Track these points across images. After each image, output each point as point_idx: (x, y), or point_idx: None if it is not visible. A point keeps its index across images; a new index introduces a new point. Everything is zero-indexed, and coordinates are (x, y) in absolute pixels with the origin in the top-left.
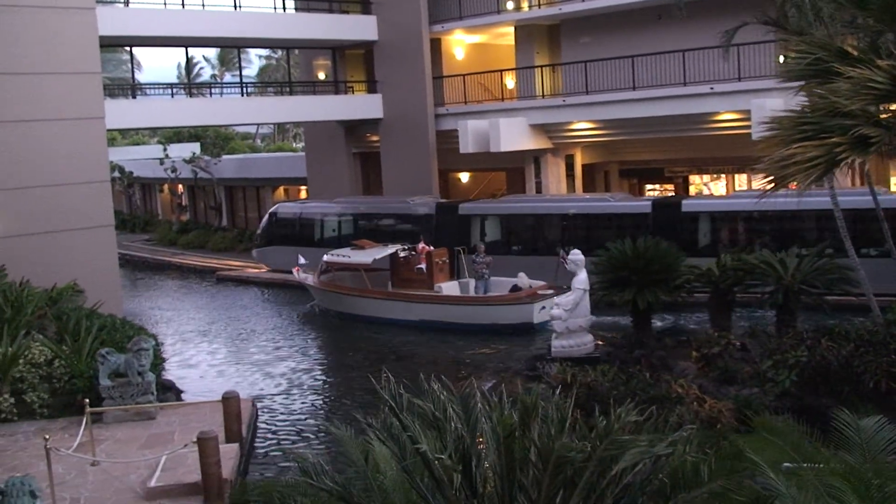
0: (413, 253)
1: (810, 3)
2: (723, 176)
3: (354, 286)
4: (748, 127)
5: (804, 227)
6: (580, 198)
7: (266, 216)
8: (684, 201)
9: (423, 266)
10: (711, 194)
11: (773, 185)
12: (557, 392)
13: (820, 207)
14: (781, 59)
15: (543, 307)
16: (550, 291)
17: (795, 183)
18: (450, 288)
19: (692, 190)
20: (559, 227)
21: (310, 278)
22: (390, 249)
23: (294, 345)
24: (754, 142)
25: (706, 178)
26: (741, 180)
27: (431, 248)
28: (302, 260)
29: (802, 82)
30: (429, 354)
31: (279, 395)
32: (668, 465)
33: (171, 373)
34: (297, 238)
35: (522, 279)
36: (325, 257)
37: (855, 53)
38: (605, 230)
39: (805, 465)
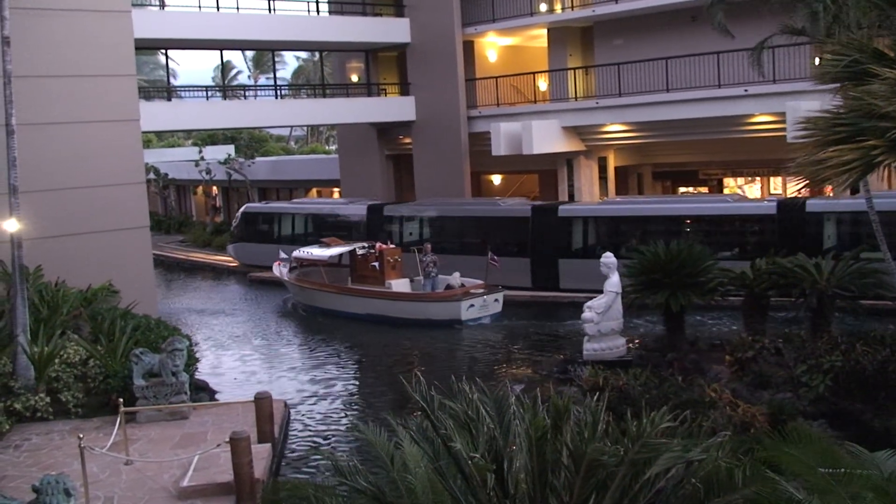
0: (371, 251)
1: (830, 8)
2: (758, 178)
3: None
4: (783, 129)
5: (668, 230)
6: (472, 201)
7: (238, 215)
8: (560, 206)
9: (376, 264)
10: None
11: (808, 187)
12: (591, 396)
13: (678, 214)
14: (817, 61)
15: (472, 305)
16: (481, 290)
17: (830, 186)
18: (401, 285)
19: (727, 192)
20: (457, 227)
21: (285, 273)
22: (349, 247)
23: (324, 346)
24: (789, 144)
25: (741, 180)
26: (776, 183)
27: (393, 245)
28: (282, 255)
29: (838, 84)
30: (460, 357)
31: (310, 395)
32: (702, 470)
33: (204, 373)
34: (261, 235)
35: (455, 278)
36: (294, 254)
37: (891, 54)
38: (494, 231)
39: (839, 470)
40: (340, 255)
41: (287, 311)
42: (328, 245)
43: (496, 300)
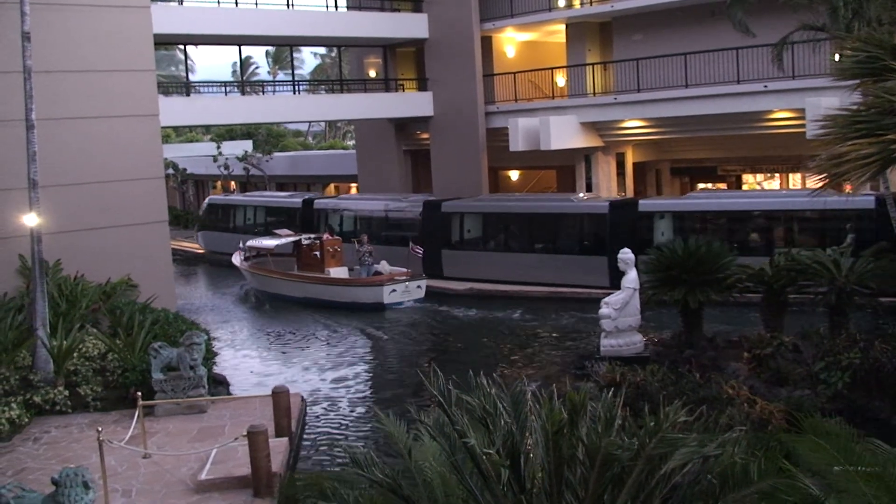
0: (316, 241)
1: (850, 4)
2: (777, 175)
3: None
4: (802, 125)
5: (522, 225)
6: (380, 197)
7: (204, 205)
8: (444, 203)
9: (318, 253)
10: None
11: (826, 182)
12: (607, 391)
13: (529, 212)
14: (836, 57)
15: (394, 290)
16: (403, 278)
17: (850, 182)
18: (339, 272)
19: (745, 189)
20: (366, 220)
21: (243, 262)
22: (295, 238)
23: (340, 340)
24: (808, 140)
25: (760, 177)
26: (795, 179)
27: (337, 237)
28: (241, 245)
29: (857, 80)
30: (478, 352)
31: (327, 390)
32: (718, 466)
33: (222, 367)
34: (220, 224)
35: (384, 266)
36: (248, 243)
37: None
38: (397, 224)
39: (856, 468)
40: (293, 245)
41: (243, 296)
42: (280, 236)
43: (418, 286)
